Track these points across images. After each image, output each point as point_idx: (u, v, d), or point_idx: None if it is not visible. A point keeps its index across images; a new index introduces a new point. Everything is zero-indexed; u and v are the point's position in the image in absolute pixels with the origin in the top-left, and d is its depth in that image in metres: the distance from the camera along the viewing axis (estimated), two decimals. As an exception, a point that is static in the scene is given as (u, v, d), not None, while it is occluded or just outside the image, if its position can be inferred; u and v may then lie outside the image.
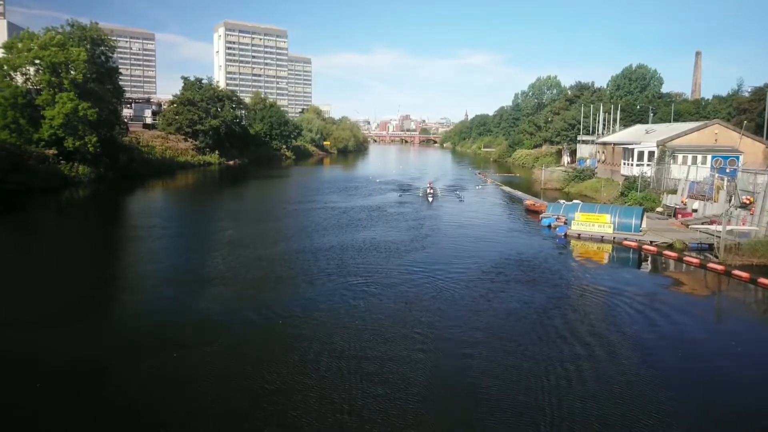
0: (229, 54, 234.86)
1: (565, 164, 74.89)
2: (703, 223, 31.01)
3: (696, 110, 74.89)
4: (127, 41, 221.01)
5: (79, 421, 11.34)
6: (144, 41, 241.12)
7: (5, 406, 11.76)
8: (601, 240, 30.56)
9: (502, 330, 16.25)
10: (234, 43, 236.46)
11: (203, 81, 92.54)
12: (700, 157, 41.48)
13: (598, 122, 70.11)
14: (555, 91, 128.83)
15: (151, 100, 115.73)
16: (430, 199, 46.02)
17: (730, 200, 31.45)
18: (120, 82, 67.12)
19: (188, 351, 14.49)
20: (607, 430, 11.04)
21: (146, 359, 13.91)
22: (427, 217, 37.72)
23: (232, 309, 17.86)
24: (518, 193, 52.89)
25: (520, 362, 14.01)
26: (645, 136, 50.73)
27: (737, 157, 41.65)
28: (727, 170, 38.25)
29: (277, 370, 13.39)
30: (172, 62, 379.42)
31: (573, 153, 75.71)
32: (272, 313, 17.49)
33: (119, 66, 70.92)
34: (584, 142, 70.50)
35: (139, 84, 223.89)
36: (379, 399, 12.07)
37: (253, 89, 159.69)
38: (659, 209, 37.07)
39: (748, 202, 29.85)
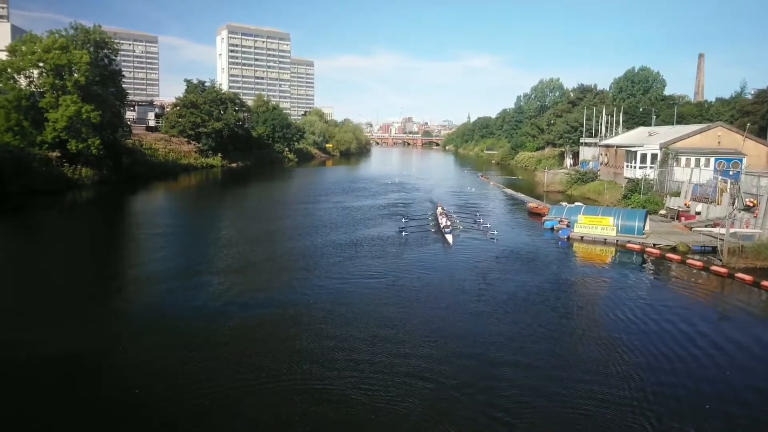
0: (232, 57, 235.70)
1: (568, 167, 74.74)
2: (706, 226, 30.86)
3: (699, 112, 74.74)
4: (130, 44, 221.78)
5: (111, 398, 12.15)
6: (147, 44, 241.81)
7: (18, 398, 12.00)
8: (604, 243, 30.50)
9: (500, 325, 16.42)
10: (237, 45, 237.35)
11: (206, 84, 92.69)
12: (703, 160, 41.38)
13: (601, 125, 70.00)
14: (557, 94, 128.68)
15: (154, 103, 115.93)
16: (450, 239, 29.31)
17: (733, 203, 31.34)
18: (123, 85, 67.17)
19: (236, 325, 16.59)
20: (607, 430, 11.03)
21: (194, 336, 15.66)
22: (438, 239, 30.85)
23: (267, 293, 19.91)
24: (521, 196, 52.81)
25: (520, 361, 14.04)
26: (648, 139, 50.60)
27: (740, 160, 41.54)
28: (731, 173, 38.15)
29: (306, 347, 14.99)
30: (175, 65, 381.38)
31: (575, 155, 75.65)
32: (303, 295, 19.60)
33: (122, 69, 70.87)
34: (587, 144, 70.43)
35: (142, 87, 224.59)
36: (400, 375, 13.31)
37: (256, 92, 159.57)
38: (662, 212, 36.97)
39: (751, 204, 29.77)
